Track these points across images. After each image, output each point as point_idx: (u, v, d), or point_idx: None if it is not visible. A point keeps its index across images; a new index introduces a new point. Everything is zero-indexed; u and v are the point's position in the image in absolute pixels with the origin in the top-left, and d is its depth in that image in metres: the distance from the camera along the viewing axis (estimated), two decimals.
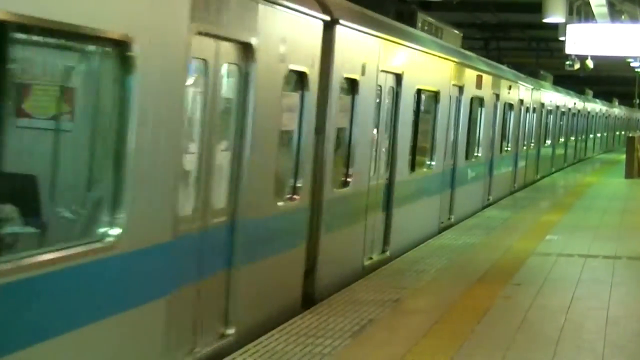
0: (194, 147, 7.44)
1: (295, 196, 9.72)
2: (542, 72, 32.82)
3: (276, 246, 9.29)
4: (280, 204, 9.33)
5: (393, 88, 13.21)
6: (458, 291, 10.92)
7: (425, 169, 15.66)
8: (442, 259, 13.11)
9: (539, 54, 41.75)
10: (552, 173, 32.68)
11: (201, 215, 7.60)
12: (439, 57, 15.75)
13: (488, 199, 21.59)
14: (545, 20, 20.61)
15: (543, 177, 30.43)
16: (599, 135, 51.86)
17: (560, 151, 35.35)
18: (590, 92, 48.90)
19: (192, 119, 7.41)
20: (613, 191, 26.65)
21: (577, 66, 28.80)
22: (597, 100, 51.84)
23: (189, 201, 7.39)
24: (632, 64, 35.02)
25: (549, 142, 31.88)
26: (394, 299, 10.27)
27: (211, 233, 7.77)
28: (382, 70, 12.40)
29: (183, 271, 7.18)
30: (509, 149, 23.94)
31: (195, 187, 7.52)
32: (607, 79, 50.44)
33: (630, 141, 32.49)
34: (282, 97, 9.16)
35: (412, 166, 14.57)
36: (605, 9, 21.83)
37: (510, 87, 23.12)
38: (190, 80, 7.15)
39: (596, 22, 23.02)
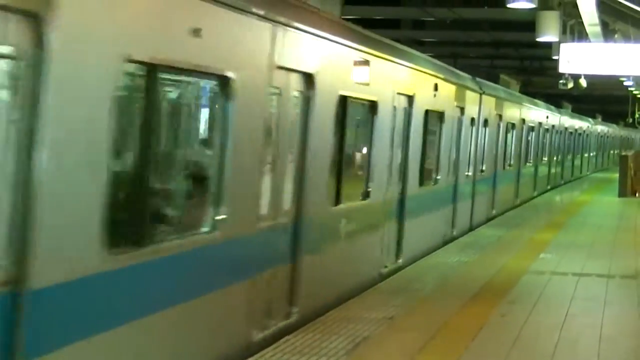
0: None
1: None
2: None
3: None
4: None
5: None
6: (452, 309, 10.94)
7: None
8: (436, 277, 13.13)
9: (532, 73, 41.95)
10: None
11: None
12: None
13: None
14: (538, 39, 20.70)
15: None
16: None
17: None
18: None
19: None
20: (606, 210, 26.69)
21: (570, 85, 28.85)
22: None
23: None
24: (625, 83, 35.11)
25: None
26: (389, 317, 10.29)
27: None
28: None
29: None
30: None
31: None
32: (600, 98, 50.55)
33: (623, 160, 32.55)
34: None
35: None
36: (598, 29, 21.89)
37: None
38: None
39: (589, 41, 23.10)
